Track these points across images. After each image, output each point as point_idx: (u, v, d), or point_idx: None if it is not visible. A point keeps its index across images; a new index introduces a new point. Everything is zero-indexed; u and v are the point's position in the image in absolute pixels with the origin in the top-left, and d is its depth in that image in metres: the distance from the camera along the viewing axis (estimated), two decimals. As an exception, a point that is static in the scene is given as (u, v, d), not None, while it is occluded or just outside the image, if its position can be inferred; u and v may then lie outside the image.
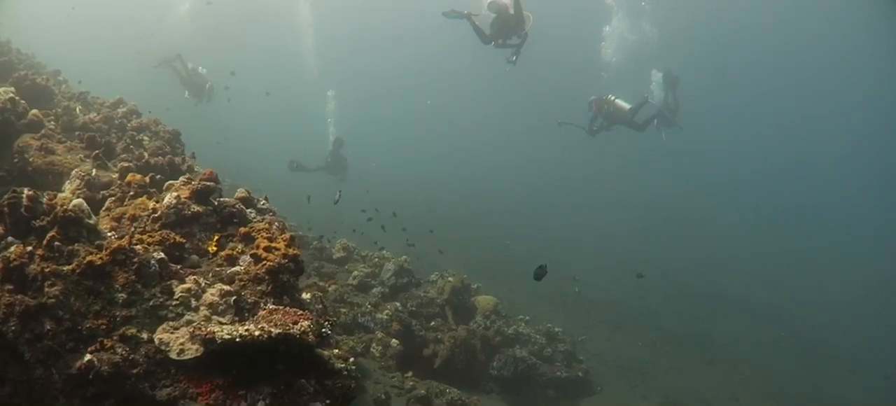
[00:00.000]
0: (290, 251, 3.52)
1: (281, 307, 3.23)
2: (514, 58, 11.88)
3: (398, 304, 9.35)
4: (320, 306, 3.58)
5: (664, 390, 13.08)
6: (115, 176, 5.59)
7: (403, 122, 51.37)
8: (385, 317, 8.80)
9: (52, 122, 7.79)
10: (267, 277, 3.38)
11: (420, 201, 24.42)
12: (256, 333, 2.88)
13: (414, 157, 40.31)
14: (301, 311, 3.15)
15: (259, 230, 3.73)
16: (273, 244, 3.55)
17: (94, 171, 5.84)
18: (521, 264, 20.00)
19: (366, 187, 18.74)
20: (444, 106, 52.78)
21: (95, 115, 8.53)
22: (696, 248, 28.20)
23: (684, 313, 18.97)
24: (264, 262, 3.43)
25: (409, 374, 8.14)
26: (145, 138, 8.00)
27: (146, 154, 7.10)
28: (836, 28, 31.80)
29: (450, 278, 10.39)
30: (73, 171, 5.84)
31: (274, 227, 3.88)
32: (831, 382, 16.04)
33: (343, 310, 8.56)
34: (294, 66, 45.88)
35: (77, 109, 8.88)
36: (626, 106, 13.68)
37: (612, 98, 13.86)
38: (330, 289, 8.89)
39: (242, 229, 3.78)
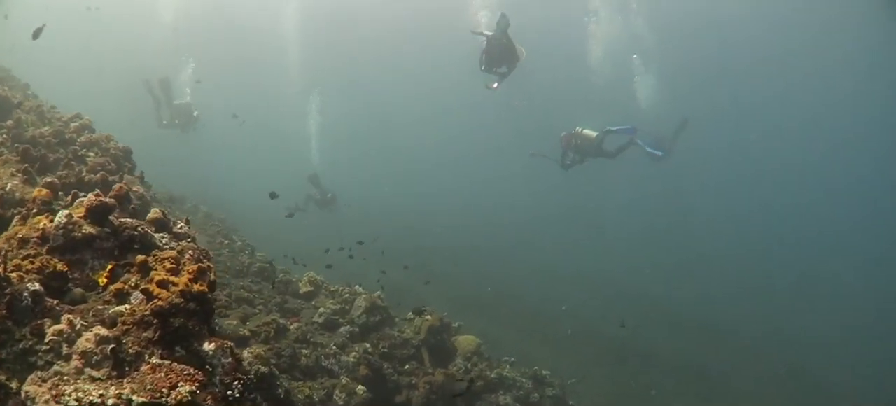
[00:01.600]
0: (194, 288, 2.77)
1: (167, 362, 2.46)
2: (495, 85, 11.47)
3: (368, 345, 8.50)
4: (229, 360, 2.82)
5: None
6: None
7: (388, 149, 50.67)
8: (352, 359, 7.95)
9: (3, 135, 7.23)
10: (154, 321, 2.62)
11: (401, 232, 23.63)
12: (110, 402, 2.12)
13: (397, 188, 39.44)
14: (191, 370, 2.39)
15: (162, 259, 2.98)
16: (171, 278, 2.79)
17: (9, 185, 5.13)
18: (507, 299, 19.19)
19: (347, 209, 18.02)
20: (434, 134, 52.29)
21: (47, 128, 8.04)
22: (689, 280, 27.32)
23: (678, 348, 18.16)
24: (155, 300, 2.68)
25: (377, 424, 7.28)
26: (91, 154, 7.34)
27: (84, 170, 6.44)
28: (835, 25, 30.68)
29: (427, 316, 9.54)
30: (-11, 187, 5.17)
31: (185, 256, 3.12)
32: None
33: (304, 351, 7.70)
34: (278, 87, 45.22)
35: (28, 122, 8.33)
36: (593, 134, 13.22)
37: (580, 129, 13.45)
38: (292, 327, 8.05)
39: (140, 258, 3.02)
